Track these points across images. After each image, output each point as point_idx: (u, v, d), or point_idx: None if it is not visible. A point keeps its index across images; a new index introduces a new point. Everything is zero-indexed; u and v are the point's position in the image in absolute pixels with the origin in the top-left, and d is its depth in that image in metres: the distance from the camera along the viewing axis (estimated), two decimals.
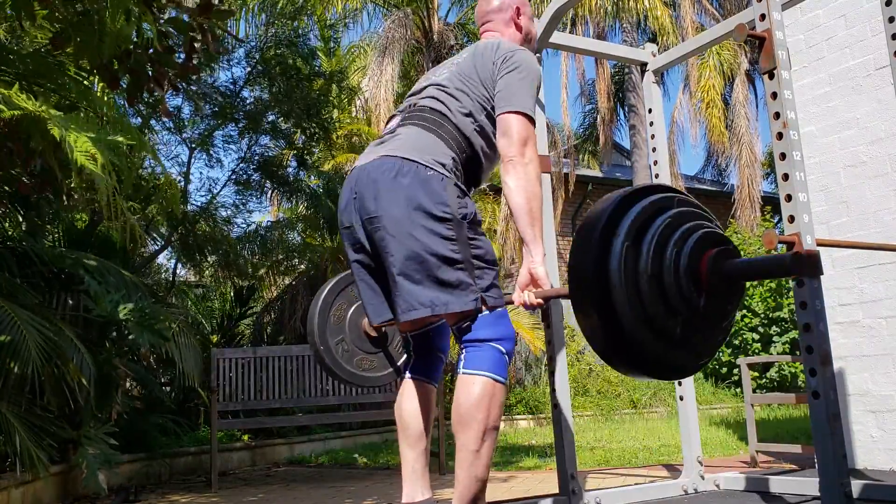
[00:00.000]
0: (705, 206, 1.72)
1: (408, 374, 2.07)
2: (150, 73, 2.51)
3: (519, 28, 2.22)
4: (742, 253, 9.82)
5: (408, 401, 2.04)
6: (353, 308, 2.50)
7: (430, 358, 2.08)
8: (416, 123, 1.97)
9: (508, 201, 1.89)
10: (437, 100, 2.00)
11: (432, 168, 1.85)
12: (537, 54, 2.99)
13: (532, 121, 1.93)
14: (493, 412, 1.79)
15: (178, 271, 8.24)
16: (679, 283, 1.47)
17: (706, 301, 1.50)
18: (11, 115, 2.55)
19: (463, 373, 1.83)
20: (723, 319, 1.57)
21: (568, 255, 1.61)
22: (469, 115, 1.97)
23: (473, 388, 1.79)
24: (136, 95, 2.57)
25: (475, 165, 2.01)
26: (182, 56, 2.60)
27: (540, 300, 1.88)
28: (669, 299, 1.47)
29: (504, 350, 1.83)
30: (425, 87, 2.07)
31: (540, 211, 1.89)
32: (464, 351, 1.85)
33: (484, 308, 1.83)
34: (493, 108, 1.97)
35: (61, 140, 2.61)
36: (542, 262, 1.89)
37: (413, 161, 1.86)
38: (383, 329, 2.50)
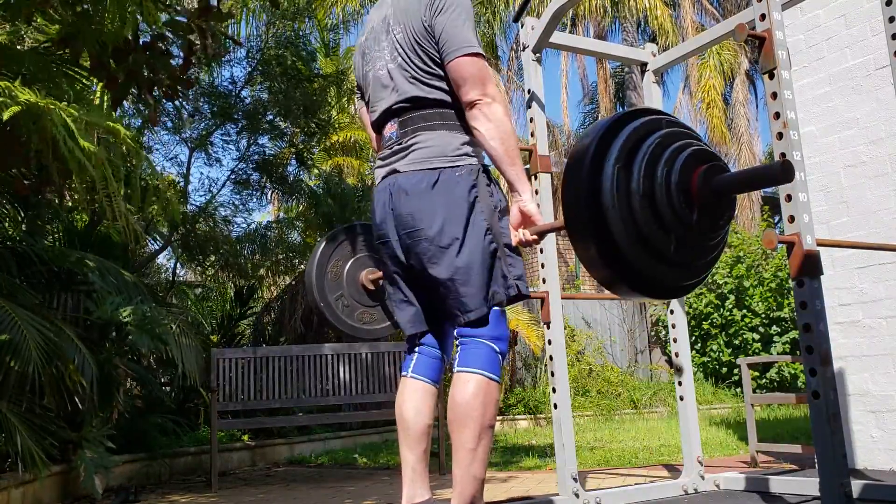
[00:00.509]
0: None
1: (409, 374, 2.07)
2: (148, 77, 2.51)
3: None
4: (742, 253, 9.83)
5: (408, 401, 2.04)
6: (349, 263, 2.54)
7: (431, 358, 2.09)
8: (421, 127, 1.95)
9: (483, 146, 1.89)
10: (414, 84, 1.94)
11: (458, 165, 1.88)
12: (537, 54, 3.00)
13: (483, 57, 1.91)
14: (489, 410, 1.81)
15: (178, 271, 8.24)
16: (671, 201, 1.50)
17: (698, 216, 1.53)
18: (16, 110, 2.55)
19: (458, 370, 1.85)
20: (715, 234, 1.60)
21: (568, 259, 1.62)
22: (437, 76, 1.94)
23: (468, 387, 1.80)
24: (123, 99, 2.57)
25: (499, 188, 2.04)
26: (181, 59, 2.60)
27: (535, 236, 1.90)
28: (663, 217, 1.49)
29: (498, 350, 1.87)
30: (393, 78, 1.99)
31: (516, 148, 1.89)
32: (459, 347, 1.87)
33: (514, 298, 1.88)
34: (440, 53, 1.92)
35: (58, 131, 2.60)
36: (532, 199, 1.90)
37: (439, 168, 1.88)
38: (380, 282, 2.52)
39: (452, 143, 1.91)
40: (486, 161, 1.97)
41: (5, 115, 2.50)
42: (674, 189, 1.50)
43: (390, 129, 2.03)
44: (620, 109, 15.48)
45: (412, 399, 2.04)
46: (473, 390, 1.79)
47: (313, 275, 2.47)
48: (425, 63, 1.94)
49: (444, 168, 1.87)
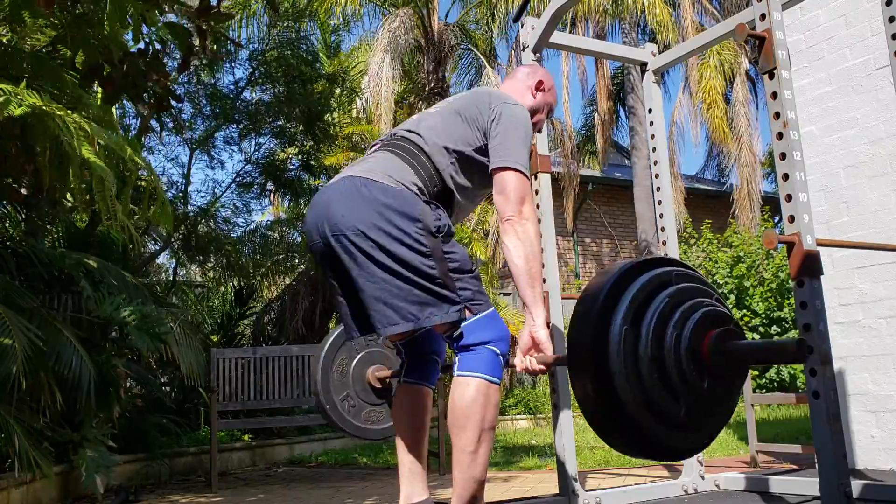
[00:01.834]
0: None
1: (402, 379, 2.08)
2: (143, 82, 2.52)
3: (534, 96, 2.22)
4: (743, 253, 9.83)
5: (403, 404, 2.06)
6: (355, 360, 2.51)
7: (423, 362, 2.09)
8: (388, 149, 1.97)
9: (507, 261, 1.87)
10: (416, 133, 1.99)
11: (398, 187, 1.84)
12: (537, 54, 3.00)
13: (528, 177, 1.92)
14: (489, 413, 1.80)
15: (178, 271, 8.24)
16: (681, 367, 1.43)
17: (710, 384, 1.46)
18: (25, 111, 2.54)
19: (458, 375, 1.83)
20: (728, 401, 1.53)
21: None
22: (448, 151, 1.95)
23: (468, 390, 1.79)
24: (115, 102, 2.58)
25: (446, 201, 1.98)
26: (180, 60, 2.60)
27: (542, 366, 1.84)
28: (672, 383, 1.42)
29: (498, 351, 1.83)
30: (412, 120, 2.08)
31: (540, 271, 1.86)
32: (458, 355, 1.85)
33: (469, 314, 1.83)
34: (478, 149, 1.96)
35: (64, 143, 2.61)
36: (544, 325, 1.85)
37: (378, 182, 1.84)
38: (388, 380, 2.51)
39: (404, 176, 1.88)
40: (445, 222, 1.89)
41: (17, 112, 2.49)
42: (684, 354, 1.43)
43: (374, 146, 2.05)
44: (620, 110, 15.50)
45: (405, 402, 2.05)
46: (473, 393, 1.78)
47: (318, 376, 2.45)
48: (452, 136, 1.95)
49: (384, 183, 1.84)
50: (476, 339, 1.82)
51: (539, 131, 2.40)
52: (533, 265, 1.83)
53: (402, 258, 1.76)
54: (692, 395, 1.44)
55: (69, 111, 2.77)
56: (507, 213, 1.86)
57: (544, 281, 2.67)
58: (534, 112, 2.21)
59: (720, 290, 9.67)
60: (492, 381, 1.80)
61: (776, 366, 9.03)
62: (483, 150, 1.96)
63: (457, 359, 1.85)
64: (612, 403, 1.40)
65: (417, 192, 1.87)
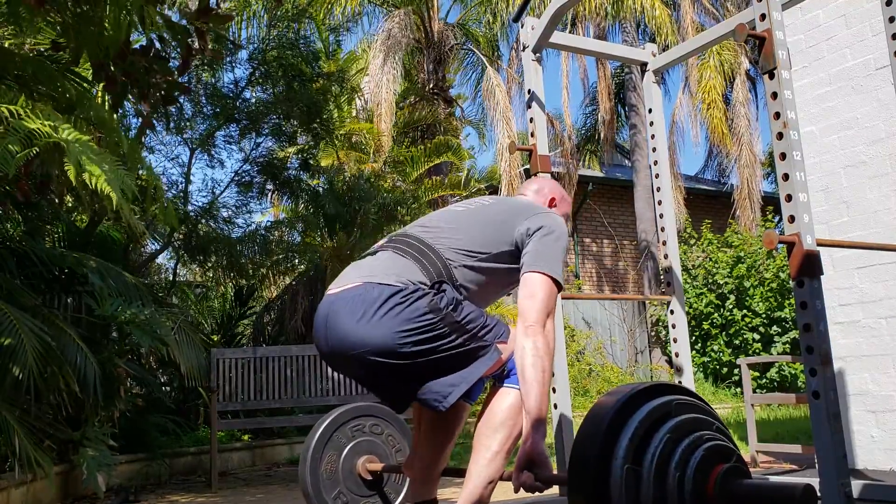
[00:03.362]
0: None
1: None
2: (145, 78, 2.51)
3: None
4: (743, 253, 9.83)
5: (437, 413, 2.06)
6: (343, 455, 2.48)
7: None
8: (394, 249, 1.93)
9: (520, 366, 1.82)
10: (427, 231, 1.97)
11: (400, 287, 1.80)
12: (537, 54, 3.00)
13: (560, 289, 1.91)
14: (520, 424, 1.86)
15: (178, 271, 8.24)
16: None
17: None
18: (30, 154, 2.57)
19: (506, 385, 1.90)
20: None
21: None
22: (463, 251, 1.92)
23: (509, 398, 1.87)
24: (123, 100, 2.58)
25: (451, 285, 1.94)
26: (179, 61, 2.60)
27: (539, 484, 1.80)
28: None
29: None
30: (427, 218, 2.06)
31: (548, 385, 1.84)
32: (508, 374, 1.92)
33: (504, 352, 1.87)
34: (501, 253, 1.94)
35: (79, 173, 2.63)
36: (542, 440, 1.81)
37: (380, 284, 1.80)
38: (378, 472, 2.50)
39: (407, 274, 1.84)
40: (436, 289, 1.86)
41: (18, 159, 2.50)
42: (688, 497, 1.39)
43: (377, 245, 2.01)
44: (621, 110, 15.50)
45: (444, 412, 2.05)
46: (515, 402, 1.85)
47: (307, 479, 2.40)
48: (472, 238, 1.93)
49: (385, 284, 1.80)
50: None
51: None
52: (546, 378, 1.82)
53: (427, 350, 1.77)
54: None
55: (70, 127, 2.78)
56: (532, 320, 1.83)
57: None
58: None
59: (720, 291, 9.67)
60: None
61: (776, 366, 9.04)
62: (504, 257, 1.94)
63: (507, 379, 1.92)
64: None
65: (422, 286, 1.84)
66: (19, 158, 2.61)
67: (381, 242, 2.03)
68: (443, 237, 1.93)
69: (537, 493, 1.84)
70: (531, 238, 1.92)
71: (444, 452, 2.08)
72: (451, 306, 1.81)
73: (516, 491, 1.85)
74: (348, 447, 2.52)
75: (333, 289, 1.90)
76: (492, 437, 1.84)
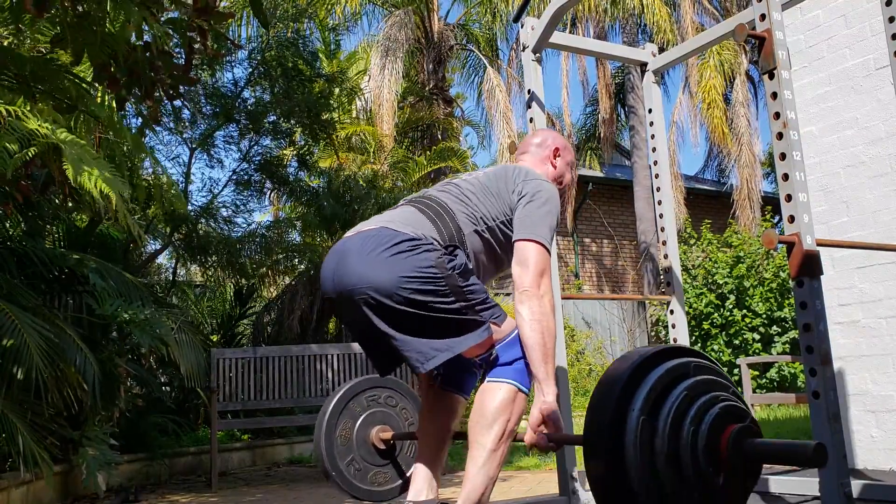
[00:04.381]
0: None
1: (438, 383, 2.10)
2: (150, 75, 2.51)
3: (553, 166, 2.25)
4: (743, 253, 9.84)
5: (433, 404, 2.08)
6: (358, 423, 2.51)
7: (462, 373, 2.11)
8: (415, 206, 1.98)
9: (521, 333, 1.86)
10: (448, 194, 2.02)
11: (415, 238, 1.83)
12: (537, 54, 3.00)
13: (549, 252, 1.93)
14: (514, 418, 1.84)
15: (178, 271, 8.24)
16: (697, 462, 1.43)
17: (725, 480, 1.45)
18: (28, 156, 2.57)
19: (489, 380, 1.87)
20: (741, 495, 1.52)
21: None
22: (473, 218, 1.97)
23: (499, 393, 1.84)
24: (127, 100, 2.58)
25: (463, 252, 1.98)
26: (182, 59, 2.60)
27: (552, 444, 1.83)
28: (686, 479, 1.42)
29: (527, 363, 1.87)
30: (441, 184, 2.10)
31: (554, 347, 1.86)
32: (493, 367, 1.90)
33: (496, 334, 1.86)
34: (502, 223, 1.98)
35: (75, 176, 2.64)
36: (555, 401, 1.84)
37: (396, 231, 1.85)
38: (391, 441, 2.52)
39: (424, 230, 1.88)
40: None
41: (16, 160, 2.51)
42: (700, 452, 1.43)
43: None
44: (620, 110, 15.50)
45: (435, 403, 2.08)
46: (505, 396, 1.83)
47: (322, 443, 2.43)
48: (477, 206, 1.97)
49: (399, 232, 1.84)
50: (510, 357, 1.87)
51: (569, 191, 2.41)
52: (548, 341, 1.83)
53: (425, 304, 1.78)
54: (707, 489, 1.45)
55: (68, 131, 2.79)
56: (525, 284, 1.86)
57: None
58: (559, 178, 2.25)
59: (720, 291, 9.68)
60: (521, 390, 1.86)
61: (776, 365, 9.04)
62: (509, 225, 1.98)
63: (488, 371, 1.90)
64: (627, 494, 1.41)
65: (436, 243, 1.87)
66: (17, 158, 2.62)
67: (403, 200, 2.08)
68: (457, 203, 1.98)
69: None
70: (518, 206, 1.97)
71: (440, 452, 2.07)
72: (458, 270, 1.83)
73: (529, 451, 1.86)
74: (363, 416, 2.54)
75: (350, 232, 1.95)
76: (485, 434, 1.82)
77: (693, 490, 1.43)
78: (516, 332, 1.89)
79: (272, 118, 7.31)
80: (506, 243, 1.99)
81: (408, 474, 2.54)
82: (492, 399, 1.83)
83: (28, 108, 2.82)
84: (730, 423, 1.47)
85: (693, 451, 1.43)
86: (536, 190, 1.98)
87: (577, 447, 2.77)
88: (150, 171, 6.27)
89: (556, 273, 2.84)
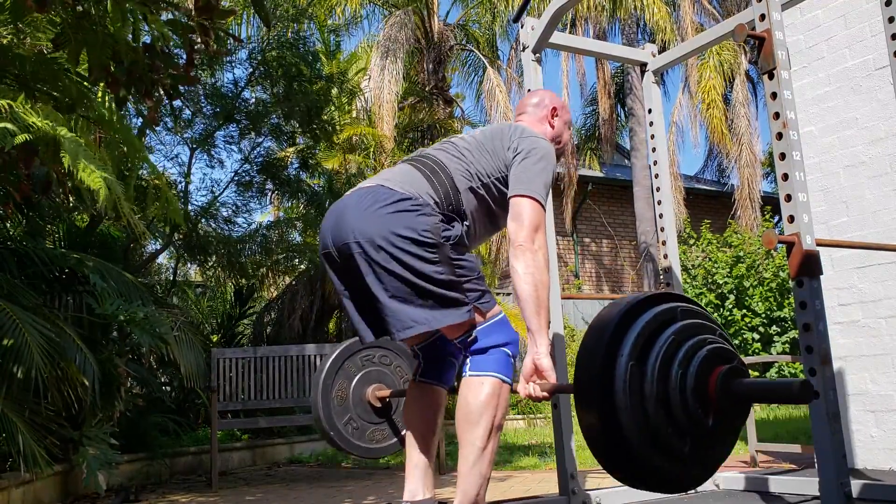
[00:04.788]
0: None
1: (418, 378, 2.09)
2: (150, 74, 2.51)
3: (552, 126, 2.26)
4: (742, 252, 9.83)
5: (416, 402, 2.07)
6: (353, 383, 2.54)
7: (440, 362, 2.11)
8: (412, 164, 2.02)
9: (515, 286, 1.88)
10: (444, 152, 2.04)
11: (412, 198, 1.87)
12: (537, 54, 3.00)
13: (544, 208, 1.94)
14: (500, 411, 1.83)
15: (177, 271, 8.24)
16: (686, 404, 1.46)
17: (714, 420, 1.48)
18: (24, 139, 2.57)
19: (469, 375, 1.86)
20: (730, 436, 1.56)
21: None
22: (468, 174, 1.99)
23: (482, 388, 1.82)
24: (127, 99, 2.58)
25: (461, 223, 2.00)
26: (183, 59, 2.60)
27: (545, 393, 1.86)
28: (677, 420, 1.45)
29: (510, 353, 1.88)
30: (438, 143, 2.12)
31: (547, 299, 1.87)
32: (469, 358, 1.88)
33: (479, 317, 1.86)
34: (497, 180, 1.99)
35: (71, 168, 2.63)
36: (548, 353, 1.86)
37: (394, 190, 1.88)
38: (387, 399, 2.53)
39: (421, 189, 1.91)
40: (453, 235, 1.92)
41: (18, 139, 2.50)
42: (689, 393, 1.46)
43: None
44: (620, 110, 15.50)
45: (419, 400, 2.07)
46: (488, 391, 1.82)
47: (319, 404, 2.46)
48: (474, 163, 1.99)
49: (398, 192, 1.87)
50: (490, 343, 1.86)
51: (567, 150, 2.43)
52: (541, 293, 1.85)
53: (413, 266, 1.79)
54: (697, 431, 1.47)
55: (67, 129, 2.79)
56: (520, 239, 1.88)
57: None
58: (557, 138, 2.26)
59: (720, 290, 9.68)
60: (505, 381, 1.84)
61: (776, 365, 9.04)
62: (505, 182, 2.00)
63: (468, 361, 1.88)
64: (617, 438, 1.43)
65: (434, 205, 1.90)
66: (19, 138, 2.60)
67: (403, 159, 2.11)
68: (453, 161, 2.00)
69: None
70: (514, 163, 1.98)
71: (429, 448, 2.05)
72: (452, 241, 1.86)
73: (522, 396, 1.89)
74: (358, 376, 2.57)
75: (349, 191, 1.99)
76: (473, 432, 1.81)
77: (683, 432, 1.46)
78: (500, 316, 1.90)
79: (272, 118, 7.32)
80: (501, 200, 2.01)
81: (402, 433, 2.57)
82: (475, 395, 1.82)
83: (29, 106, 2.81)
84: (717, 364, 1.50)
85: (682, 393, 1.45)
86: (532, 147, 1.99)
87: (575, 444, 2.77)
88: (149, 171, 6.27)
89: (556, 273, 2.84)
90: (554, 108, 2.26)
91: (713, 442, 1.52)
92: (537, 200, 1.91)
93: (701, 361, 1.48)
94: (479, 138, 2.07)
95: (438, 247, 1.82)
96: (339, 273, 1.97)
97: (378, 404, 2.55)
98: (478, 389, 1.82)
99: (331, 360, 2.53)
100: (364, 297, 1.93)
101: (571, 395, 1.97)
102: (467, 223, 2.00)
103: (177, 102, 6.75)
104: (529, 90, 2.94)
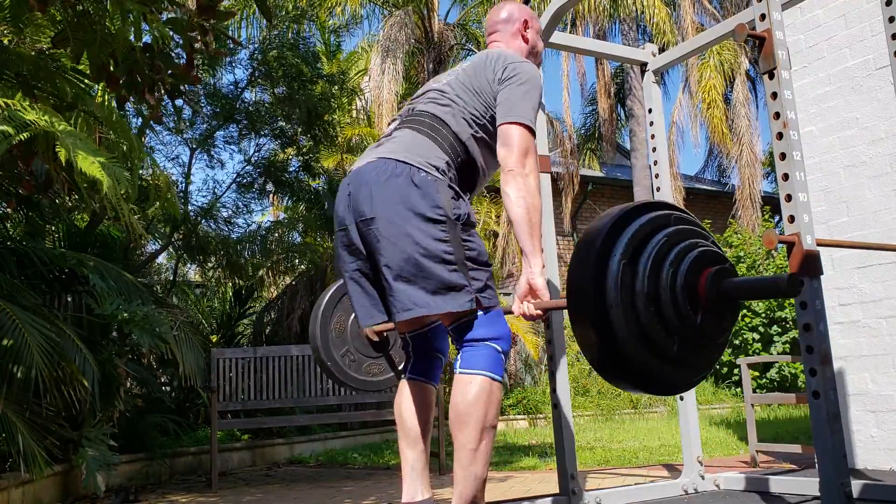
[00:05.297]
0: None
1: (406, 375, 2.08)
2: (148, 74, 2.51)
3: (525, 40, 2.24)
4: (743, 253, 9.83)
5: (407, 401, 2.05)
6: (352, 316, 2.54)
7: (429, 359, 2.09)
8: (411, 127, 2.00)
9: (508, 211, 1.90)
10: (436, 103, 2.03)
11: (424, 170, 1.87)
12: None
13: (533, 132, 1.94)
14: (491, 411, 1.81)
15: (177, 271, 8.24)
16: (676, 302, 1.49)
17: (703, 319, 1.52)
18: (22, 138, 2.57)
19: (460, 372, 1.84)
20: (719, 336, 1.58)
21: (568, 260, 1.64)
22: (466, 121, 1.99)
23: (471, 387, 1.80)
24: (127, 99, 2.58)
25: (471, 171, 2.03)
26: (183, 59, 2.60)
27: (539, 311, 1.89)
28: (666, 318, 1.48)
29: (500, 349, 1.85)
30: (426, 93, 2.10)
31: (539, 222, 1.90)
32: (461, 351, 1.87)
33: (479, 309, 1.85)
34: (492, 117, 1.99)
35: (69, 161, 2.63)
36: (542, 273, 1.89)
37: (406, 163, 1.88)
38: (384, 334, 2.54)
39: (432, 155, 1.92)
40: (464, 212, 1.92)
41: (20, 137, 2.50)
42: (679, 290, 1.49)
43: (392, 125, 2.06)
44: (621, 110, 15.50)
45: (410, 399, 2.05)
46: (476, 391, 1.80)
47: (317, 334, 2.48)
48: (467, 105, 1.99)
49: (411, 165, 1.88)
50: (481, 335, 1.84)
51: (539, 61, 2.39)
52: (533, 216, 1.87)
53: (422, 244, 1.80)
54: (685, 329, 1.51)
55: (66, 124, 2.78)
56: (510, 164, 1.89)
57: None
58: (533, 49, 2.25)
59: None
60: (494, 379, 1.82)
61: (776, 366, 9.04)
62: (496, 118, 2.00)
63: (459, 356, 1.87)
64: (609, 336, 1.47)
65: (445, 167, 1.91)
66: (14, 138, 2.61)
67: (394, 123, 2.08)
68: (449, 111, 1.99)
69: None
70: (499, 92, 1.98)
71: (423, 447, 2.03)
72: (463, 221, 1.87)
73: (516, 315, 1.92)
74: None
75: (358, 164, 1.99)
76: (465, 433, 1.80)
77: (673, 330, 1.49)
78: (495, 310, 1.89)
79: (273, 120, 7.32)
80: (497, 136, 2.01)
81: (399, 367, 2.59)
82: (465, 395, 1.81)
83: (28, 104, 2.81)
84: (707, 265, 1.53)
85: (672, 291, 1.49)
86: (514, 72, 1.98)
87: (575, 448, 2.77)
88: (150, 171, 6.27)
89: (556, 273, 2.84)
90: (525, 21, 2.24)
91: (700, 342, 1.55)
92: (525, 125, 1.92)
93: (692, 262, 1.52)
94: (463, 79, 2.04)
95: (449, 225, 1.83)
96: (349, 250, 1.98)
97: (375, 339, 2.58)
98: (466, 389, 1.81)
99: (330, 292, 2.55)
100: (373, 277, 1.95)
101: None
102: (480, 166, 2.03)
103: (178, 101, 6.75)
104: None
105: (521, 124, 1.91)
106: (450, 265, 1.81)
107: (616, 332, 1.45)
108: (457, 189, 1.92)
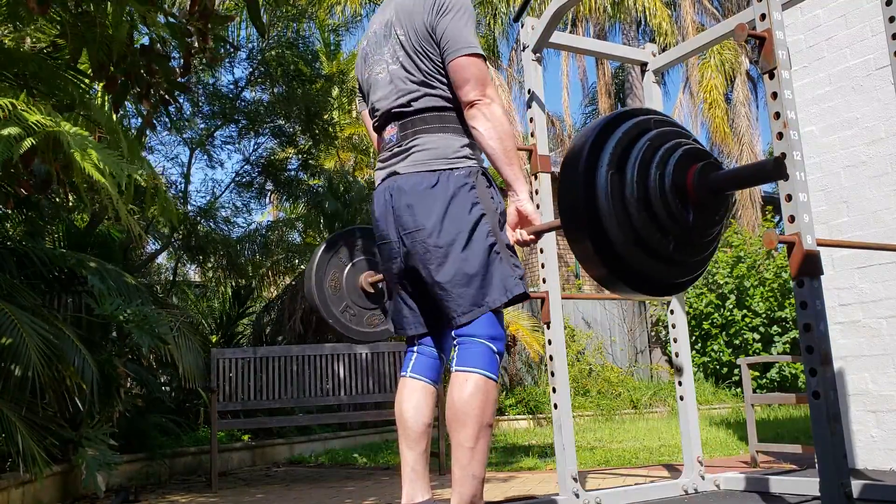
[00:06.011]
0: None
1: (408, 374, 2.07)
2: (145, 78, 2.51)
3: None
4: (743, 253, 9.82)
5: (408, 400, 2.05)
6: (346, 271, 2.59)
7: (430, 358, 2.09)
8: (420, 129, 1.97)
9: (482, 146, 1.91)
10: (414, 86, 1.97)
11: (457, 167, 1.89)
12: (537, 54, 3.00)
13: (483, 58, 1.93)
14: (487, 409, 1.81)
15: (177, 271, 8.24)
16: (666, 202, 1.51)
17: (695, 215, 1.55)
18: (34, 142, 2.56)
19: (456, 370, 1.85)
20: (711, 231, 1.62)
21: (568, 260, 1.64)
22: (437, 78, 1.96)
23: (466, 386, 1.81)
24: (123, 101, 2.58)
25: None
26: (180, 62, 2.60)
27: (532, 236, 1.92)
28: (659, 219, 1.50)
29: (496, 350, 1.87)
30: (393, 81, 2.01)
31: (514, 149, 1.90)
32: (457, 347, 1.88)
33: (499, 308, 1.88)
34: (442, 60, 1.95)
35: (73, 160, 2.63)
36: (529, 199, 1.92)
37: (438, 171, 1.89)
38: (379, 285, 2.58)
39: (452, 146, 1.93)
40: (486, 164, 1.98)
41: (24, 146, 2.51)
42: (668, 191, 1.51)
43: (390, 131, 2.04)
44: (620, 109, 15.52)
45: (411, 398, 2.04)
46: (472, 389, 1.80)
47: (314, 293, 2.53)
48: (425, 65, 1.96)
49: (443, 170, 1.89)
50: (480, 333, 1.85)
51: None
52: (507, 143, 1.87)
53: (473, 249, 1.84)
54: (678, 227, 1.53)
55: (70, 124, 2.78)
56: (471, 97, 1.87)
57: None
58: None
59: (721, 291, 9.68)
60: (490, 378, 1.83)
61: (777, 366, 9.04)
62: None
63: (455, 352, 1.88)
64: (604, 244, 1.49)
65: (469, 144, 1.93)
66: (24, 144, 2.61)
67: (395, 129, 2.00)
68: (432, 94, 1.95)
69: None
70: (435, 27, 1.92)
71: (423, 448, 2.04)
72: (501, 212, 1.91)
73: (511, 243, 1.94)
74: (349, 265, 2.62)
75: (383, 173, 1.99)
76: (461, 432, 1.80)
77: (666, 230, 1.52)
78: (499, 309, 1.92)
79: (272, 119, 7.32)
80: None
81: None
82: (461, 394, 1.81)
83: (30, 104, 2.81)
84: (693, 162, 1.55)
85: (662, 192, 1.51)
86: (441, 6, 1.93)
87: (574, 451, 2.76)
88: (148, 172, 6.26)
89: (556, 273, 2.84)
90: None
91: (695, 239, 1.57)
92: (474, 55, 1.90)
93: (677, 161, 1.54)
94: (408, 48, 1.97)
95: (490, 217, 1.87)
96: (393, 261, 1.99)
97: (371, 290, 2.62)
98: (462, 387, 1.81)
99: (320, 252, 2.58)
100: (414, 287, 1.97)
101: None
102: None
103: (174, 105, 6.75)
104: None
105: (470, 55, 1.89)
106: (500, 257, 1.86)
107: (611, 239, 1.48)
108: (488, 176, 1.95)
